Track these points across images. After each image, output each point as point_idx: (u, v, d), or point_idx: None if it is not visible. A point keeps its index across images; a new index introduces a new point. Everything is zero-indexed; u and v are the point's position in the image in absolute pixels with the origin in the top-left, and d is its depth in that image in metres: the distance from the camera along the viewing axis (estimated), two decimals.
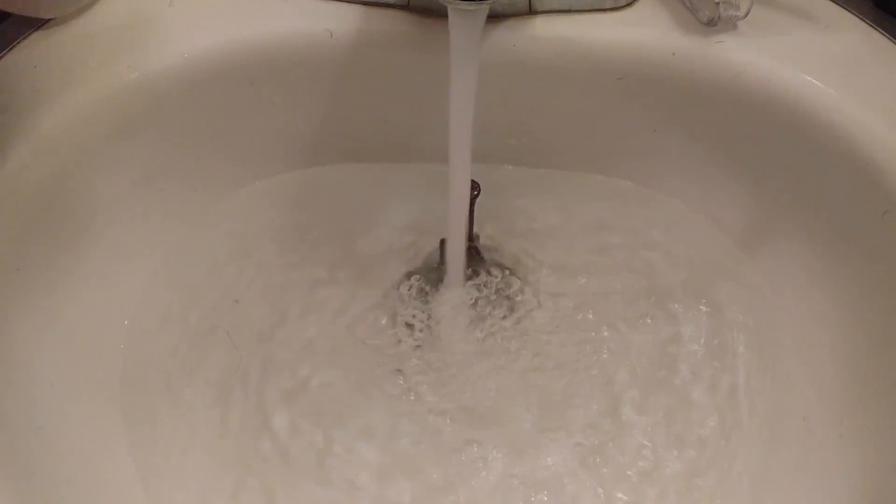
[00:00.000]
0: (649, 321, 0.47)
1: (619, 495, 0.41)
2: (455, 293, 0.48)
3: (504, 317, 0.47)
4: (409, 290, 0.49)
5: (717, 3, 0.42)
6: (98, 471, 0.39)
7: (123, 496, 0.39)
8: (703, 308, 0.47)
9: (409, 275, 0.49)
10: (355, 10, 0.44)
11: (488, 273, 0.48)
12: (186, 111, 0.44)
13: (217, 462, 0.42)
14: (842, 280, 0.42)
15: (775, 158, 0.44)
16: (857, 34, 0.43)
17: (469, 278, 0.48)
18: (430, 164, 0.51)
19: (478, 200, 0.44)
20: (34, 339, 0.39)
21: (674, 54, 0.43)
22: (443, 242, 0.48)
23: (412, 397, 0.45)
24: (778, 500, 0.39)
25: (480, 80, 0.46)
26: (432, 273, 0.49)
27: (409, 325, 0.47)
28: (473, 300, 0.48)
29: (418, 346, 0.46)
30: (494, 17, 0.43)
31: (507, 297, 0.48)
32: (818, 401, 0.41)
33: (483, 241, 0.49)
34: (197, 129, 0.45)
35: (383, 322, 0.47)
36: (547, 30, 0.44)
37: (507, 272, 0.49)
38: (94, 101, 0.41)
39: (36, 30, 0.42)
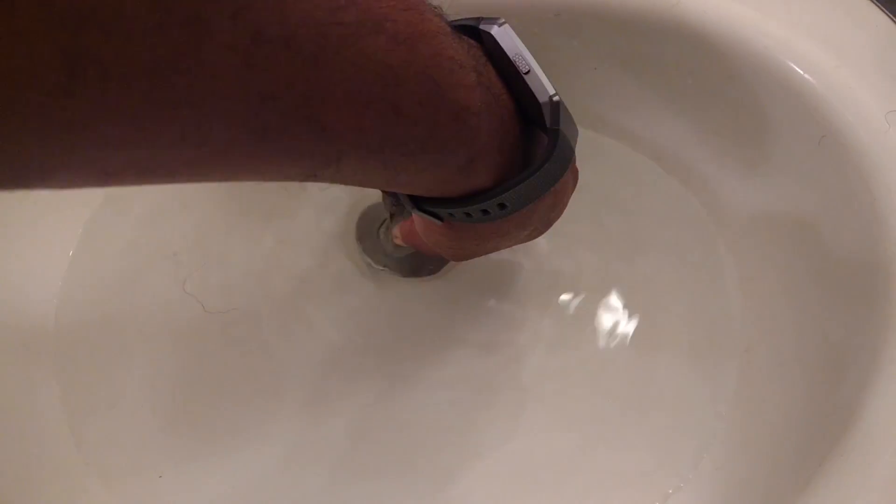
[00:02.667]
0: (591, 260, 0.46)
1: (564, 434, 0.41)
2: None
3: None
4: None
5: None
6: (28, 431, 0.38)
7: (55, 455, 0.39)
8: (647, 249, 0.46)
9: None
10: None
11: None
12: None
13: (154, 418, 0.41)
14: (782, 211, 0.42)
15: (714, 90, 0.43)
16: None
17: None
18: None
19: None
20: None
21: None
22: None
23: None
24: (720, 431, 0.39)
25: None
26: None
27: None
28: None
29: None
30: None
31: None
32: (760, 332, 0.41)
33: None
34: None
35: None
36: None
37: None
38: None
39: None
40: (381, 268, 0.46)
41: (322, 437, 0.41)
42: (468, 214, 0.29)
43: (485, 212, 0.29)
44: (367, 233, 0.48)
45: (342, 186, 0.49)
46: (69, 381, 0.41)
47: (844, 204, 0.38)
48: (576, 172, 0.35)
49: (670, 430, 0.40)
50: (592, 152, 0.49)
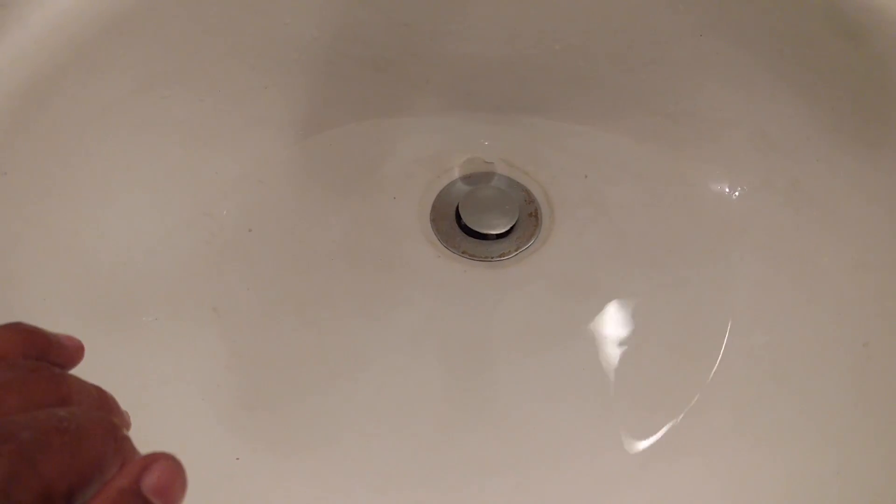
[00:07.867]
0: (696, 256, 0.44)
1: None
2: None
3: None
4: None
5: None
6: None
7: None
8: (743, 243, 0.44)
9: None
10: None
11: None
12: (189, 9, 0.40)
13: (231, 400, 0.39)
14: None
15: (836, 61, 0.39)
16: None
17: None
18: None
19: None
20: (23, 250, 0.36)
21: None
22: None
23: None
24: (836, 432, 0.36)
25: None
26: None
27: None
28: None
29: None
30: None
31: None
32: (879, 325, 0.37)
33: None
34: (202, 31, 0.41)
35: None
36: None
37: None
38: None
39: None
40: (454, 251, 0.44)
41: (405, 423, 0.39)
42: None
43: None
44: (443, 214, 0.46)
45: (417, 165, 0.47)
46: (122, 342, 0.39)
47: None
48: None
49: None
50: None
